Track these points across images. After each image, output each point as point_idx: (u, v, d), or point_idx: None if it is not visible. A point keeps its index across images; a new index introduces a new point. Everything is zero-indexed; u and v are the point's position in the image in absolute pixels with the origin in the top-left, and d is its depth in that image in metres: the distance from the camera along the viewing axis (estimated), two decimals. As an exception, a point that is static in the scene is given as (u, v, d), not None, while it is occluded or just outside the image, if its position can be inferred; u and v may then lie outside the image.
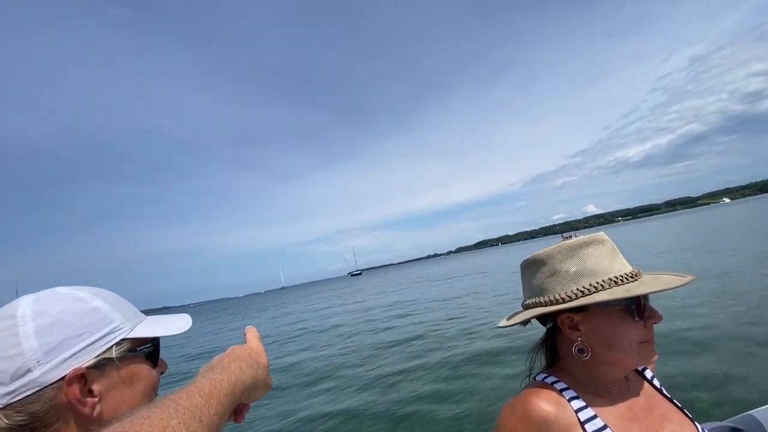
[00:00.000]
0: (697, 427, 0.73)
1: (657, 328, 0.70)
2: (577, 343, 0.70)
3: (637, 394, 0.74)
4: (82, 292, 0.56)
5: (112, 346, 0.53)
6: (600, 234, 0.75)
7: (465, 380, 5.15)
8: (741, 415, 1.33)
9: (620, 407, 0.70)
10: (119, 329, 0.55)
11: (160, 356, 0.63)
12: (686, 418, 0.74)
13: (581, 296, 0.68)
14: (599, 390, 0.71)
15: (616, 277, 0.69)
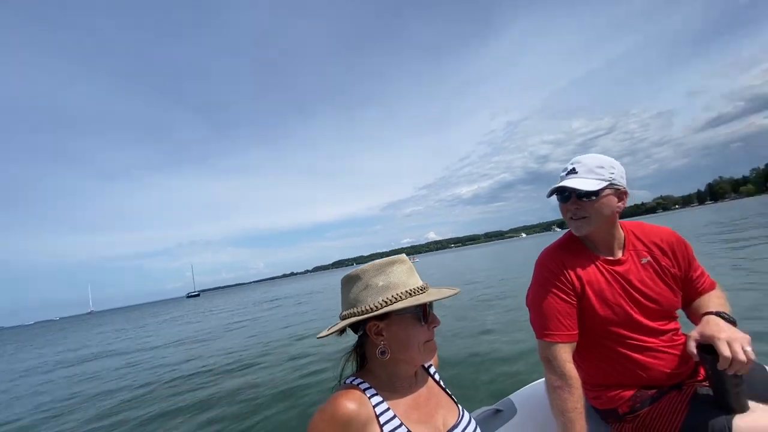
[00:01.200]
0: (459, 410, 0.94)
1: (438, 329, 0.91)
2: (380, 346, 0.86)
3: (422, 386, 0.93)
4: None
5: None
6: (402, 255, 0.93)
7: None
8: (503, 399, 1.62)
9: (408, 399, 0.88)
10: None
11: None
12: (454, 403, 0.96)
13: (386, 306, 0.83)
14: (396, 386, 0.88)
15: (411, 290, 0.86)
